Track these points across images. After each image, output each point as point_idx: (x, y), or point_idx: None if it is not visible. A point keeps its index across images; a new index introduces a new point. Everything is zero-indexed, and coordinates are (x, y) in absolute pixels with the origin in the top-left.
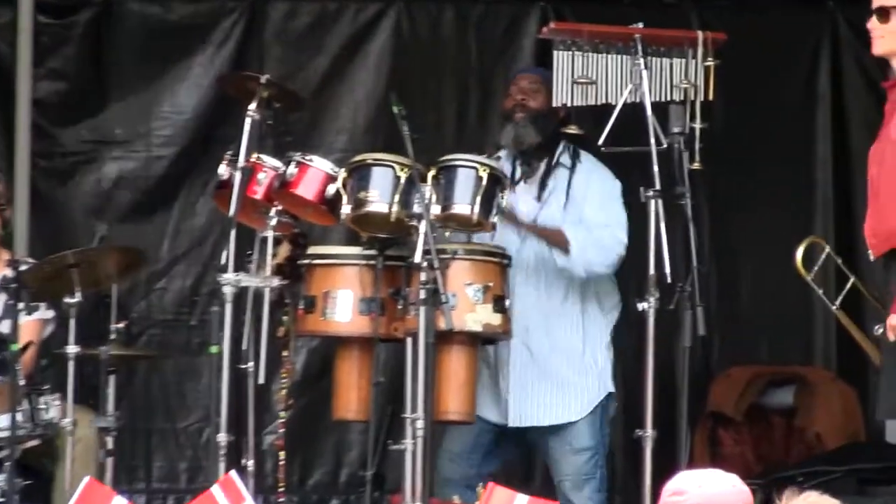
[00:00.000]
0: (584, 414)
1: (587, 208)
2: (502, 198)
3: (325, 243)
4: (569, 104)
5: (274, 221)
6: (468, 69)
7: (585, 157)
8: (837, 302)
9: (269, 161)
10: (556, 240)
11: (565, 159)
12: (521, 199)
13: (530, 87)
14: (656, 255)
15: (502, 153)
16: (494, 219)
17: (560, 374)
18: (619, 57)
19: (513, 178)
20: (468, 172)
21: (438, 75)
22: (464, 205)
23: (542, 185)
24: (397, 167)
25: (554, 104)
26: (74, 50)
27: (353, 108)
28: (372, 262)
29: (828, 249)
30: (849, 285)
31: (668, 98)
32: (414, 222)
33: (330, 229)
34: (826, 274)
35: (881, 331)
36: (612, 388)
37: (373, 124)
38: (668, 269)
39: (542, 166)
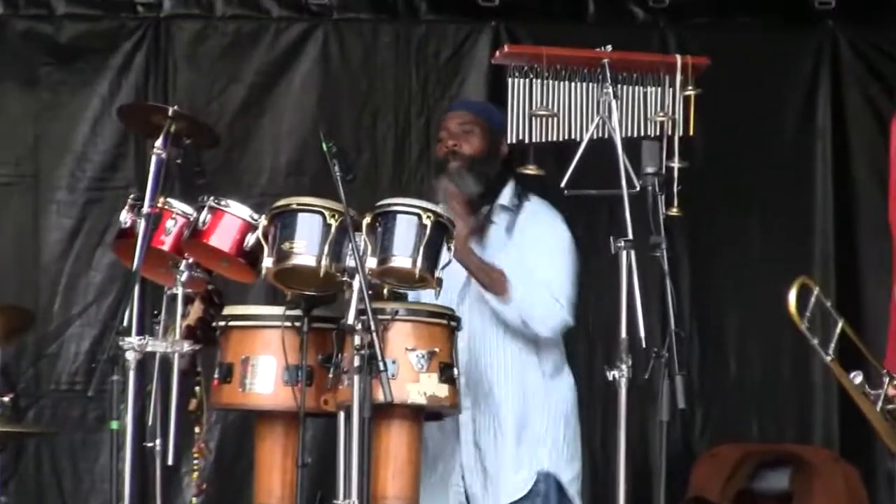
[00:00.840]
0: (517, 497)
1: (531, 255)
2: (448, 249)
3: (244, 302)
4: (526, 140)
5: (184, 276)
6: (409, 99)
7: (534, 198)
8: (830, 351)
9: (179, 206)
10: (493, 278)
11: (509, 200)
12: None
13: (461, 128)
14: (629, 316)
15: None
16: (440, 273)
17: (496, 444)
18: (585, 85)
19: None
20: (409, 220)
21: (374, 106)
22: (404, 257)
23: (482, 228)
24: (327, 214)
25: (509, 141)
26: None
27: (275, 145)
28: (298, 324)
29: (817, 291)
30: (838, 329)
31: (642, 133)
32: (346, 278)
33: (249, 286)
34: (826, 325)
35: (858, 380)
36: (549, 468)
37: (298, 163)
38: (641, 332)
39: (484, 211)
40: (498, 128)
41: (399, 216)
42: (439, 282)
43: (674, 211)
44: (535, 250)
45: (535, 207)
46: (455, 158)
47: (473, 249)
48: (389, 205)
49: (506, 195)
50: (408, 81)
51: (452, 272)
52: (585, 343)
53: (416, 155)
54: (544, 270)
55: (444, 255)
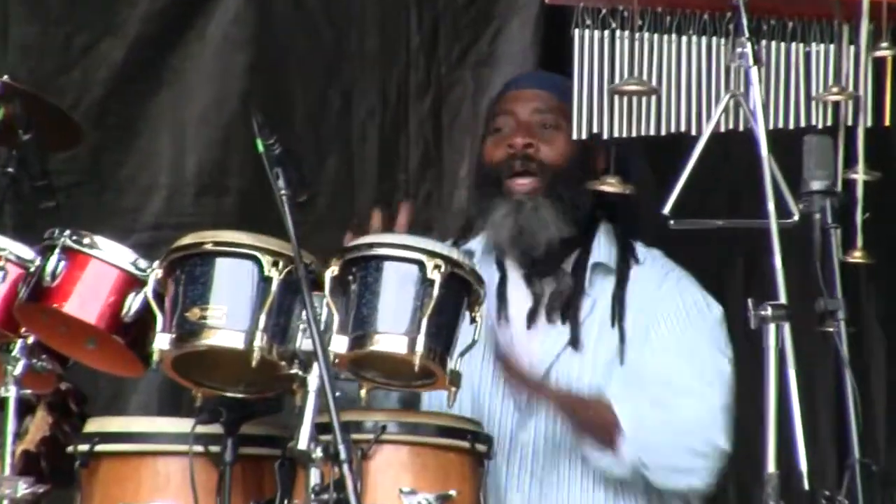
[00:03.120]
0: None
1: (654, 358)
2: (473, 321)
3: (124, 411)
4: (604, 135)
5: (19, 369)
6: (406, 64)
7: (647, 252)
8: None
9: (10, 247)
10: (592, 422)
11: (604, 253)
12: (522, 336)
13: (539, 118)
14: (780, 435)
15: (476, 244)
16: (457, 363)
17: None
18: (704, 41)
19: (501, 299)
20: (405, 272)
21: (346, 76)
22: (395, 335)
23: (567, 309)
24: (265, 260)
25: (574, 135)
26: None
27: (176, 141)
28: (215, 449)
29: None
30: None
31: (803, 123)
32: (297, 369)
33: (132, 385)
34: None
35: None
36: None
37: (216, 172)
38: (803, 464)
39: (567, 280)
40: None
41: (388, 265)
42: (455, 378)
43: (858, 256)
44: (663, 348)
45: (657, 271)
46: (528, 178)
47: (546, 341)
48: (371, 245)
49: (601, 245)
50: (404, 34)
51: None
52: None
53: (418, 159)
54: (684, 379)
55: (464, 332)
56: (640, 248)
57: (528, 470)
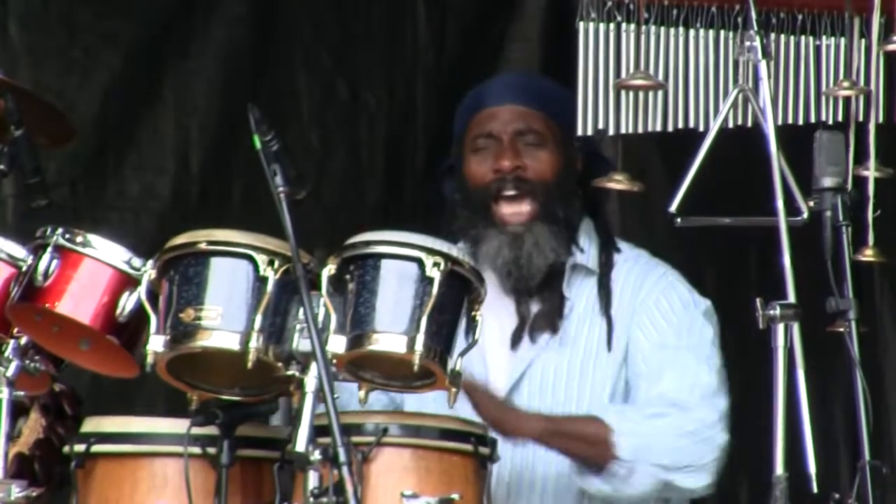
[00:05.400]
0: None
1: (643, 359)
2: (473, 320)
3: (120, 410)
4: (610, 132)
5: (12, 370)
6: (413, 55)
7: (631, 250)
8: None
9: (3, 245)
10: (579, 441)
11: (586, 255)
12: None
13: (524, 138)
14: (788, 436)
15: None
16: (458, 363)
17: None
18: (712, 34)
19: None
20: (404, 270)
21: (351, 68)
22: (395, 335)
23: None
24: (260, 259)
25: (579, 131)
26: None
27: (178, 133)
28: (212, 450)
29: None
30: None
31: (813, 118)
32: (294, 371)
33: (127, 386)
34: None
35: None
36: None
37: (209, 170)
38: (811, 466)
39: (553, 299)
40: (572, 127)
41: (386, 264)
42: (456, 378)
43: (869, 254)
44: (654, 347)
45: (641, 268)
46: (520, 189)
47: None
48: (369, 243)
49: (585, 248)
50: (411, 25)
51: (491, 351)
52: (718, 485)
53: (424, 156)
54: (681, 389)
55: (465, 331)
56: (625, 246)
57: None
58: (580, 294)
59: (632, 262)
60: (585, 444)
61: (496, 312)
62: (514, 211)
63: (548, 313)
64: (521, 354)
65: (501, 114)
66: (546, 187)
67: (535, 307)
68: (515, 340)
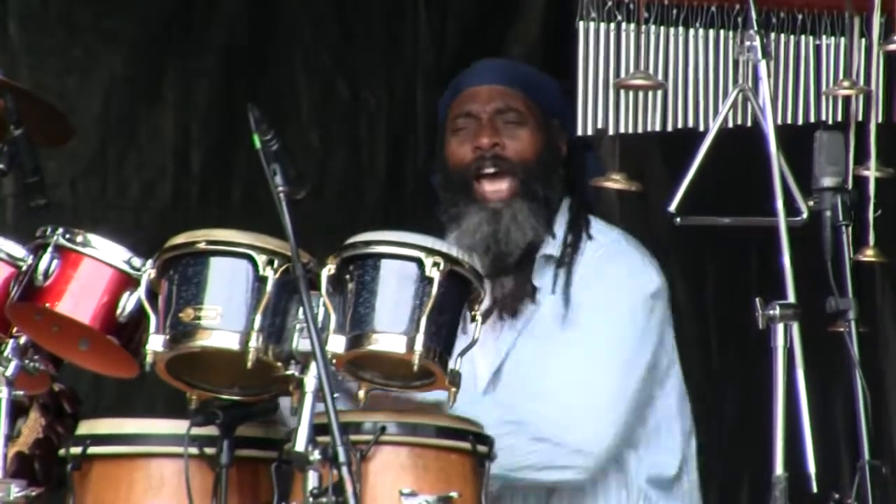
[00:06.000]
0: None
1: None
2: (473, 319)
3: (119, 411)
4: (610, 131)
5: (11, 369)
6: (414, 53)
7: (601, 229)
8: None
9: (3, 245)
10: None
11: (557, 242)
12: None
13: (504, 116)
14: (788, 437)
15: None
16: (458, 363)
17: None
18: (712, 34)
19: None
20: (403, 270)
21: (352, 65)
22: (394, 335)
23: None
24: (260, 259)
25: (580, 131)
26: None
27: (177, 133)
28: (210, 450)
29: None
30: None
31: (813, 118)
32: (294, 370)
33: (127, 386)
34: None
35: None
36: None
37: (209, 170)
38: (811, 466)
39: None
40: (553, 110)
41: (385, 264)
42: (456, 378)
43: (870, 254)
44: (575, 338)
45: (612, 250)
46: (499, 167)
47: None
48: (369, 243)
49: (557, 233)
50: (412, 25)
51: (483, 356)
52: (715, 481)
53: (426, 150)
54: (575, 371)
55: (467, 330)
56: (602, 231)
57: None
58: (545, 281)
59: (602, 251)
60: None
61: None
62: (495, 189)
63: (516, 294)
64: (499, 347)
65: (481, 93)
66: (526, 166)
67: (508, 286)
68: (485, 319)
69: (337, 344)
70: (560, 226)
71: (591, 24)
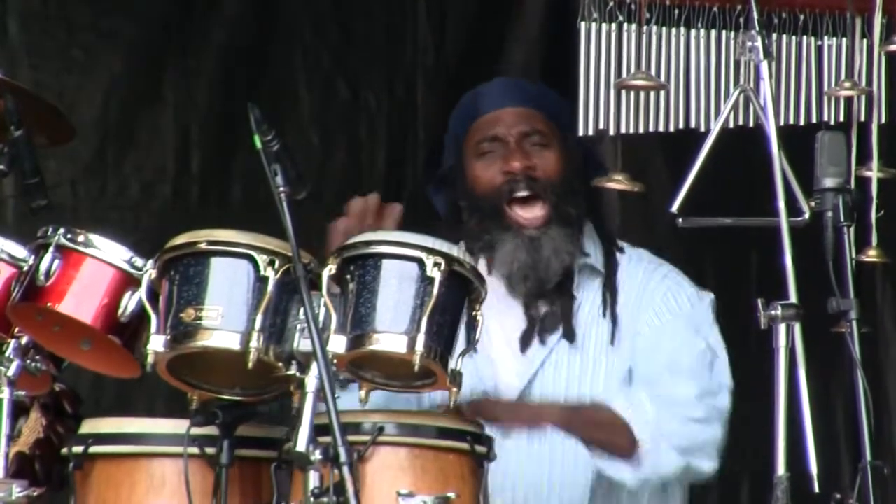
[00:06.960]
0: None
1: (646, 359)
2: (474, 319)
3: (121, 411)
4: (611, 132)
5: (13, 370)
6: (413, 52)
7: (633, 250)
8: None
9: (4, 245)
10: (601, 431)
11: (591, 255)
12: (502, 356)
13: (531, 140)
14: (790, 437)
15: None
16: (458, 362)
17: None
18: (714, 34)
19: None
20: (404, 270)
21: (352, 65)
22: (395, 335)
23: (561, 309)
24: (261, 259)
25: (580, 132)
26: None
27: (177, 134)
28: (210, 450)
29: None
30: None
31: (815, 119)
32: (295, 370)
33: (127, 386)
34: None
35: None
36: None
37: (211, 171)
38: (813, 467)
39: (563, 301)
40: (568, 127)
41: (386, 264)
42: (457, 378)
43: (872, 255)
44: (654, 346)
45: (644, 267)
46: (533, 189)
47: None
48: (370, 243)
49: (587, 246)
50: (411, 25)
51: (498, 355)
52: (719, 482)
53: (424, 156)
54: (684, 377)
55: (466, 331)
56: (627, 247)
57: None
58: (587, 294)
59: (636, 262)
60: (607, 431)
61: (500, 315)
62: (531, 215)
63: (559, 314)
64: (531, 356)
65: (504, 116)
66: (555, 187)
67: (544, 308)
68: (525, 342)
69: (338, 344)
70: (588, 241)
71: (593, 25)
